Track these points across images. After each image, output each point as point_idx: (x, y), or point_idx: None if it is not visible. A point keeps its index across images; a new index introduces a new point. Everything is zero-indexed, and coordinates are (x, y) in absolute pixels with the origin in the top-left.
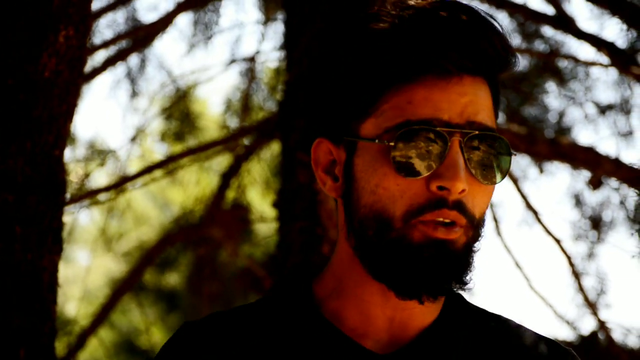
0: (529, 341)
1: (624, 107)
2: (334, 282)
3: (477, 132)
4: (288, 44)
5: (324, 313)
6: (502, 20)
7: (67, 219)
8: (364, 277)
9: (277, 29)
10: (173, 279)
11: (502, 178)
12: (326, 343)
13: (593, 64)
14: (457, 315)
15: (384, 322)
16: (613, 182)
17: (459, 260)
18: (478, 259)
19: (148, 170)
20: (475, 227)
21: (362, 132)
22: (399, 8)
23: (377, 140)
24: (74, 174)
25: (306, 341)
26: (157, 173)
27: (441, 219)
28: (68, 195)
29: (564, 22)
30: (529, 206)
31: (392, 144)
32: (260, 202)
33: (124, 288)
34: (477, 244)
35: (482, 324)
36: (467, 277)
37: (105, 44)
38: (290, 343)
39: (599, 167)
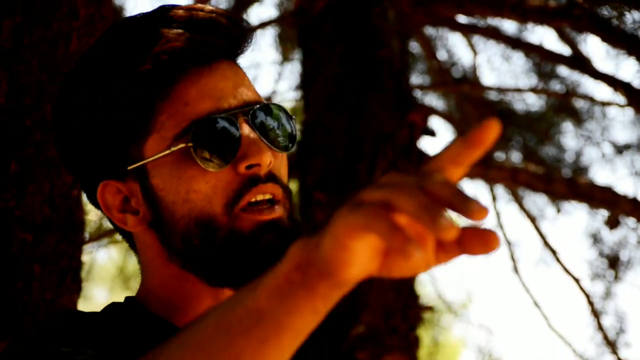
0: None
1: None
2: (162, 303)
3: (257, 107)
4: (305, 84)
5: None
6: (518, 59)
7: (85, 257)
8: (196, 290)
9: (294, 69)
10: None
11: (294, 143)
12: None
13: (609, 103)
14: None
15: None
16: (630, 222)
17: (293, 237)
18: (299, 227)
19: None
20: (289, 197)
21: (148, 154)
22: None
23: (171, 148)
24: (92, 213)
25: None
26: None
27: (261, 196)
28: (87, 235)
29: (580, 62)
30: (547, 245)
31: (190, 144)
32: None
33: None
34: (296, 215)
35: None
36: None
37: None
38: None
39: (616, 206)
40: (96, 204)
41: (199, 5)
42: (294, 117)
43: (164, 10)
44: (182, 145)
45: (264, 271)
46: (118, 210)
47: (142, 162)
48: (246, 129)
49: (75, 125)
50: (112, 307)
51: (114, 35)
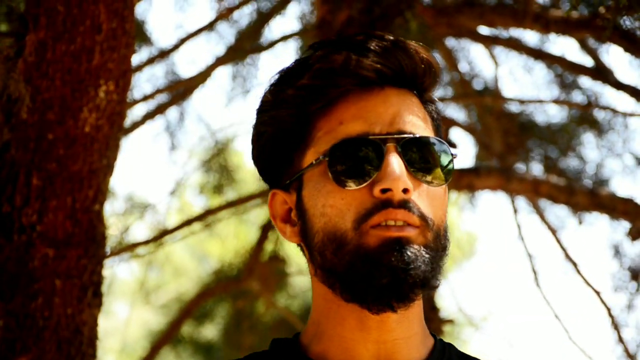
0: None
1: None
2: (314, 327)
3: (410, 137)
4: None
5: (310, 357)
6: (540, 70)
7: (106, 272)
8: (340, 312)
9: None
10: (211, 331)
11: (447, 178)
12: None
13: (632, 114)
14: (447, 357)
15: (370, 359)
16: None
17: (420, 259)
18: (443, 263)
19: (187, 223)
20: (432, 229)
21: (304, 166)
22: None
23: (314, 162)
24: (114, 227)
25: None
26: (196, 226)
27: (391, 221)
28: (108, 250)
29: (602, 73)
30: (568, 257)
31: (327, 158)
32: (298, 254)
33: (163, 340)
34: (441, 248)
35: None
36: (433, 279)
37: (145, 98)
38: None
39: (638, 218)
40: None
41: (382, 33)
42: (455, 155)
43: (351, 35)
44: (322, 158)
45: (386, 290)
46: (282, 220)
47: (298, 174)
48: (391, 155)
49: (254, 134)
50: (272, 345)
51: (302, 53)
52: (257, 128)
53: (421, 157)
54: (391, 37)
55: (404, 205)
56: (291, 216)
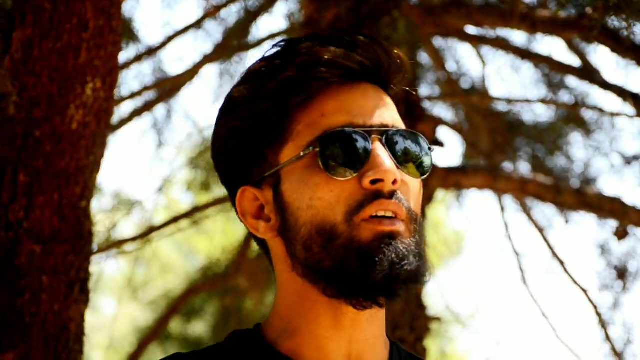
0: None
1: None
2: (282, 322)
3: (394, 129)
4: None
5: (281, 352)
6: (527, 70)
7: (93, 269)
8: (315, 309)
9: None
10: (199, 327)
11: (427, 171)
12: None
13: (618, 114)
14: (403, 358)
15: (342, 359)
16: (639, 233)
17: (412, 255)
18: (427, 258)
19: (174, 220)
20: (415, 222)
21: (282, 161)
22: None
23: (301, 154)
24: (101, 224)
25: None
26: (184, 223)
27: (382, 212)
28: (95, 246)
29: (590, 73)
30: (555, 256)
31: (317, 149)
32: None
33: (150, 337)
34: (422, 242)
35: None
36: (424, 274)
37: (132, 95)
38: None
39: (625, 217)
40: (236, 211)
41: (358, 28)
42: (432, 148)
43: (323, 30)
44: (310, 150)
45: (379, 286)
46: (252, 217)
47: (276, 169)
48: (377, 147)
49: (223, 131)
50: (231, 338)
51: (270, 50)
52: (225, 125)
53: (403, 150)
54: (366, 33)
55: (394, 196)
56: (264, 212)
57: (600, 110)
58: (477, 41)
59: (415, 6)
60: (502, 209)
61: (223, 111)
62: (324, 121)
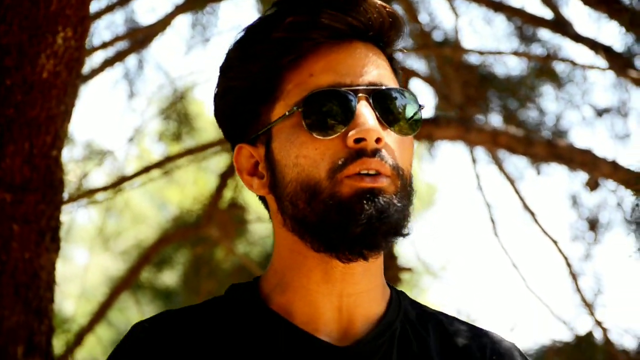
0: (475, 335)
1: (621, 110)
2: (276, 277)
3: (381, 88)
4: None
5: (272, 307)
6: (500, 22)
7: (65, 218)
8: (306, 263)
9: None
10: (170, 277)
11: (415, 128)
12: (281, 335)
13: (590, 67)
14: (404, 309)
15: (333, 313)
16: (610, 184)
17: (393, 208)
18: (412, 212)
19: (146, 170)
20: (402, 178)
21: (273, 119)
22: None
23: (287, 113)
24: (72, 173)
25: (260, 335)
26: (155, 173)
27: (365, 170)
28: (66, 195)
29: (562, 26)
30: (526, 207)
31: (301, 109)
32: (257, 202)
33: (122, 286)
34: (409, 197)
35: (429, 318)
36: (404, 227)
37: (104, 45)
38: (243, 338)
39: (596, 169)
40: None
41: None
42: (423, 106)
43: None
44: (297, 109)
45: (358, 239)
46: (248, 173)
47: (267, 127)
48: (362, 106)
49: (220, 90)
50: (228, 291)
51: (269, 10)
52: (223, 84)
53: (391, 108)
54: None
55: (377, 154)
56: (258, 169)
57: (573, 63)
58: None
59: None
60: (474, 160)
61: (220, 71)
62: (312, 81)
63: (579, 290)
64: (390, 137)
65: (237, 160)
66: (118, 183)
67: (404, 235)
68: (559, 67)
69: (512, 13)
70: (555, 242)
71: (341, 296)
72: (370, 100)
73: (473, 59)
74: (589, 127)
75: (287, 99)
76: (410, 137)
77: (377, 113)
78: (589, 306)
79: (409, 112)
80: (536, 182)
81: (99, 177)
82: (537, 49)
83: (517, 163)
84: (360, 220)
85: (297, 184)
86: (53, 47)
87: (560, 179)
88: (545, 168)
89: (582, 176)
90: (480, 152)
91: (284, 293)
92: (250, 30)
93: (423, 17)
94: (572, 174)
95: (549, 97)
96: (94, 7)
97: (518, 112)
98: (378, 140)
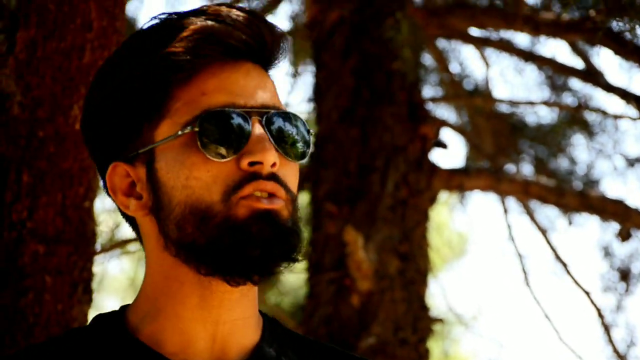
0: None
1: None
2: (147, 304)
3: (274, 111)
4: (317, 96)
5: (140, 338)
6: (531, 72)
7: (97, 269)
8: (183, 290)
9: (307, 81)
10: None
11: (305, 155)
12: None
13: (621, 116)
14: (278, 338)
15: (206, 342)
16: None
17: (288, 233)
18: (303, 238)
19: None
20: (293, 203)
21: (158, 138)
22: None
23: (179, 132)
24: (104, 224)
25: None
26: None
27: (260, 191)
28: (98, 246)
29: (593, 75)
30: (558, 258)
31: (196, 129)
32: None
33: None
34: (299, 220)
35: (303, 347)
36: (298, 252)
37: None
38: None
39: (627, 219)
40: (106, 187)
41: (240, 5)
42: (311, 130)
43: (204, 6)
44: (189, 130)
45: (254, 262)
46: (123, 194)
47: (151, 146)
48: (257, 128)
49: (96, 104)
50: (93, 322)
51: (148, 24)
52: (100, 98)
53: (283, 131)
54: (250, 10)
55: (273, 178)
56: (135, 189)
57: (604, 113)
58: (480, 43)
59: (419, 8)
60: (505, 210)
61: (98, 84)
62: (204, 100)
63: (611, 341)
64: (282, 161)
65: (111, 179)
66: None
67: (296, 261)
68: (590, 117)
69: (543, 63)
70: (587, 293)
71: (217, 323)
72: (263, 123)
73: (504, 109)
74: (620, 177)
75: (175, 118)
76: (297, 164)
77: (270, 135)
78: (622, 358)
79: (300, 137)
80: (568, 233)
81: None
82: (568, 99)
83: (548, 213)
84: (256, 243)
85: (186, 207)
86: None
87: (592, 230)
88: (577, 218)
89: (614, 226)
90: (512, 202)
91: (154, 321)
92: (134, 43)
93: (454, 67)
94: (604, 224)
95: (580, 147)
96: None
97: (549, 161)
98: (274, 164)
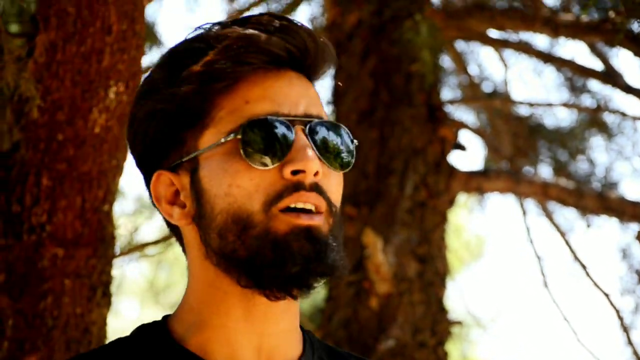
0: None
1: None
2: (192, 315)
3: (317, 120)
4: (336, 99)
5: (189, 348)
6: (550, 73)
7: (116, 272)
8: (227, 300)
9: (325, 83)
10: None
11: (349, 164)
12: None
13: None
14: (317, 351)
15: (252, 353)
16: None
17: (328, 249)
18: (342, 249)
19: None
20: (335, 215)
21: (202, 146)
22: (216, 24)
23: (223, 140)
24: (123, 227)
25: None
26: None
27: (301, 204)
28: (117, 249)
29: (612, 77)
30: (576, 260)
31: (239, 137)
32: None
33: None
34: (340, 235)
35: (341, 357)
36: (339, 268)
37: None
38: None
39: None
40: (150, 196)
41: (288, 16)
42: (355, 141)
43: (251, 15)
44: (233, 137)
45: (294, 277)
46: (167, 202)
47: (195, 154)
48: (300, 137)
49: (141, 113)
50: (137, 332)
51: (193, 33)
52: (146, 108)
53: (326, 141)
54: (296, 20)
55: (315, 188)
56: (179, 198)
57: (623, 114)
58: (499, 45)
59: (438, 10)
60: (524, 212)
61: (143, 94)
62: (248, 108)
63: (630, 343)
64: (325, 172)
65: (155, 188)
66: (169, 237)
67: (338, 276)
68: (609, 118)
69: (562, 64)
70: (606, 295)
71: (262, 335)
72: (307, 132)
73: (523, 111)
74: (639, 179)
75: (219, 126)
76: (341, 174)
77: (313, 144)
78: None
79: (344, 147)
80: (586, 235)
81: (149, 230)
82: (587, 100)
83: (567, 215)
84: (297, 260)
85: (228, 216)
86: (105, 101)
87: (611, 231)
88: (596, 220)
89: (633, 228)
90: (531, 204)
91: (201, 332)
92: (178, 51)
93: (472, 69)
94: (622, 226)
95: (599, 149)
96: (145, 61)
97: (568, 163)
98: (316, 173)
